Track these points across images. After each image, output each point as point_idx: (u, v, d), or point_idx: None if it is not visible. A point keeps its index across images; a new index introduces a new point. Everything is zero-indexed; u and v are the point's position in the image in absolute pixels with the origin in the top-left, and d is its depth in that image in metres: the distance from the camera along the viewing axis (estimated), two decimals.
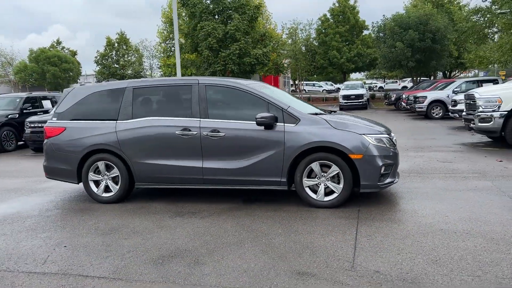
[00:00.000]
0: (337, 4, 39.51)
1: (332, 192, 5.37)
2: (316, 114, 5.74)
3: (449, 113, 16.49)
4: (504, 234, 4.13)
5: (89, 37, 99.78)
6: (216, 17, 20.73)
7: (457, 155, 8.88)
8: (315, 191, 5.42)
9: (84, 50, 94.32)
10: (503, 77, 23.86)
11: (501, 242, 3.93)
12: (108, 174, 6.06)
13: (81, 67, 50.70)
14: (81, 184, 6.26)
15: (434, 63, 31.98)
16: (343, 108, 29.44)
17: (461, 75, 45.48)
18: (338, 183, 5.33)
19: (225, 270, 3.61)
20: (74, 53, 52.38)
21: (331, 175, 5.33)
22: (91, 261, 3.95)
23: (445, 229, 4.37)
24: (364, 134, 5.31)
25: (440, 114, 18.77)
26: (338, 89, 71.14)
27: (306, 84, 59.58)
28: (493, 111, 9.84)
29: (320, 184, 5.39)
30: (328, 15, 40.01)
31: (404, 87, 39.21)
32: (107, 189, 6.11)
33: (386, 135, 5.48)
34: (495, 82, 19.35)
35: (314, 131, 5.33)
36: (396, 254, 3.78)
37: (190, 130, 5.65)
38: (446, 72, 40.60)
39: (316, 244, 4.12)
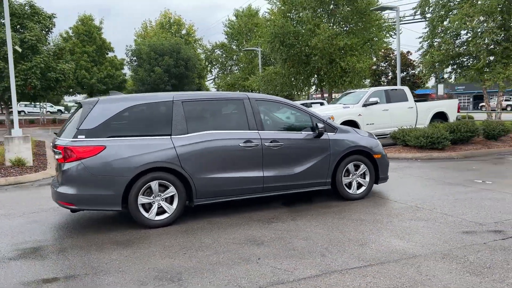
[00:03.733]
0: (80, 23, 38.02)
1: (360, 186, 6.78)
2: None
3: None
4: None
5: None
6: None
7: None
8: (348, 187, 6.70)
9: None
10: None
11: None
12: (161, 194, 5.53)
13: None
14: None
15: (187, 88, 35.41)
16: None
17: None
18: (364, 178, 6.80)
19: (423, 242, 4.66)
20: None
21: (361, 172, 6.75)
22: (324, 260, 4.19)
23: (472, 197, 6.56)
24: (377, 138, 7.01)
25: None
26: (60, 111, 65.87)
27: (25, 105, 53.15)
28: None
29: (353, 181, 6.72)
30: (71, 32, 38.02)
31: None
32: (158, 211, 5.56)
33: None
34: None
35: (349, 137, 6.66)
36: (497, 211, 5.69)
37: (252, 142, 5.96)
38: None
39: (432, 218, 5.57)
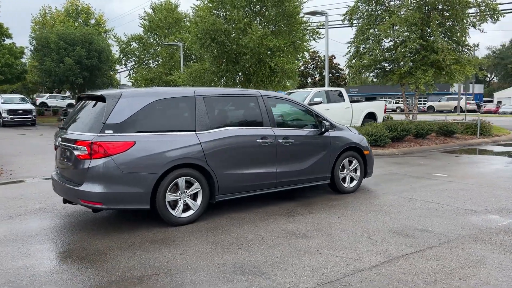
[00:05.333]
0: None
1: (352, 180, 7.26)
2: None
3: None
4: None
5: None
6: None
7: None
8: (343, 181, 7.14)
9: None
10: None
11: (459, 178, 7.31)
12: (186, 191, 5.43)
13: None
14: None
15: (100, 81, 33.50)
16: (7, 125, 26.96)
17: None
18: (356, 173, 7.30)
19: (444, 228, 5.24)
20: None
21: (354, 168, 7.24)
22: (378, 248, 4.52)
23: (446, 188, 7.35)
24: (363, 136, 7.56)
25: None
26: None
27: None
28: None
29: (347, 175, 7.18)
30: None
31: (71, 104, 37.94)
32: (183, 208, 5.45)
33: None
34: None
35: (345, 135, 7.09)
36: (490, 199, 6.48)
37: (267, 138, 6.09)
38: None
39: (432, 208, 6.19)
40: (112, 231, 5.18)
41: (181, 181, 5.32)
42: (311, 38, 23.76)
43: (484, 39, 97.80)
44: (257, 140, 5.96)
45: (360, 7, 18.23)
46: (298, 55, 24.61)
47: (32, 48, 33.43)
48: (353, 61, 18.80)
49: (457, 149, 13.60)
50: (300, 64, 23.77)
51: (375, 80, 18.94)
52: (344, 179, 7.11)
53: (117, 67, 38.36)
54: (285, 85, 22.91)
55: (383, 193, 7.14)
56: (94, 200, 4.89)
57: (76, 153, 4.99)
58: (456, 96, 41.62)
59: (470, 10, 17.11)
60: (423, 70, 16.68)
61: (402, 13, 17.30)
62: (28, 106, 28.59)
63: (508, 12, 22.10)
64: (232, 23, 22.70)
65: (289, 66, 21.96)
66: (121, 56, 33.84)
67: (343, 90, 15.87)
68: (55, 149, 5.85)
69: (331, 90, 15.52)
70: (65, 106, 37.74)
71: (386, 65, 18.76)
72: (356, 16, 18.88)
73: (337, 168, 6.94)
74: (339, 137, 6.94)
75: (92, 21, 39.40)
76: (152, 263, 4.14)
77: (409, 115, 18.69)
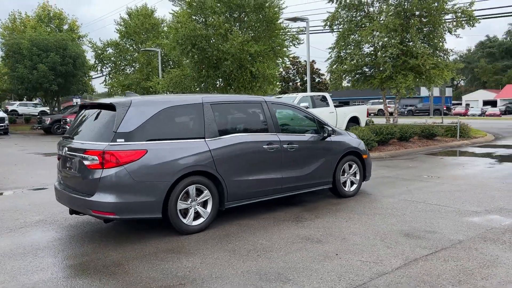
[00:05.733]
0: None
1: (352, 184, 7.36)
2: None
3: None
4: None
5: None
6: None
7: None
8: (344, 185, 7.23)
9: None
10: None
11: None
12: (197, 199, 5.39)
13: None
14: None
15: (75, 87, 32.81)
16: None
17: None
18: (355, 177, 7.40)
19: (451, 229, 5.38)
20: None
21: (353, 172, 7.34)
22: (395, 251, 4.59)
23: (441, 190, 7.53)
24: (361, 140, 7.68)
25: None
26: None
27: None
28: None
29: (347, 179, 7.27)
30: None
31: (43, 112, 36.88)
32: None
33: None
34: None
35: (345, 139, 7.20)
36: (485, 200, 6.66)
37: (273, 144, 6.12)
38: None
39: (434, 209, 6.34)
40: (123, 241, 5.08)
41: (191, 189, 5.28)
42: (291, 44, 23.97)
43: (452, 44, 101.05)
44: (264, 146, 5.98)
45: (341, 13, 18.51)
46: (278, 61, 24.78)
47: (3, 55, 32.40)
48: (335, 66, 19.08)
49: (439, 151, 13.97)
50: (281, 70, 23.89)
51: (355, 84, 19.14)
52: (344, 183, 7.20)
53: (92, 73, 37.71)
54: (266, 91, 23.00)
55: (383, 196, 7.26)
56: (107, 211, 4.79)
57: (86, 162, 4.89)
58: (379, 100, 43.91)
59: (446, 17, 17.66)
60: (403, 74, 17.07)
61: (381, 19, 17.68)
62: (0, 114, 27.69)
63: (484, 18, 22.93)
64: (212, 28, 22.64)
65: (270, 71, 22.07)
66: (97, 62, 33.21)
67: (327, 94, 16.07)
68: (58, 158, 5.70)
69: (316, 95, 15.68)
70: (37, 113, 36.78)
71: (367, 70, 19.11)
72: (337, 22, 19.16)
73: (338, 173, 7.02)
74: (339, 141, 7.03)
75: (65, 27, 38.49)
76: (175, 273, 4.09)
77: (390, 119, 19.07)
